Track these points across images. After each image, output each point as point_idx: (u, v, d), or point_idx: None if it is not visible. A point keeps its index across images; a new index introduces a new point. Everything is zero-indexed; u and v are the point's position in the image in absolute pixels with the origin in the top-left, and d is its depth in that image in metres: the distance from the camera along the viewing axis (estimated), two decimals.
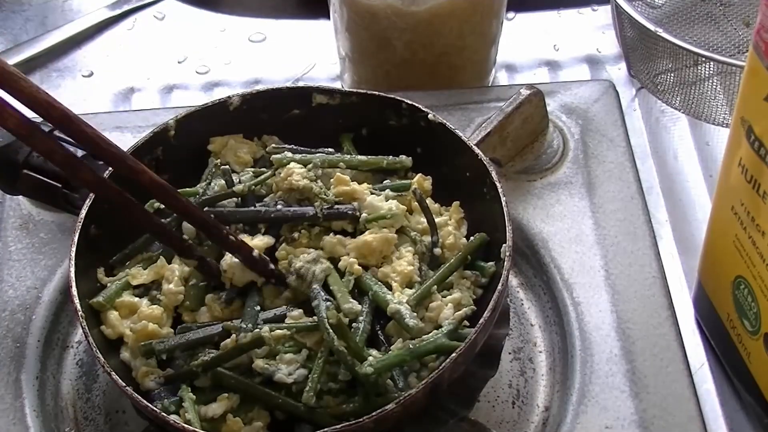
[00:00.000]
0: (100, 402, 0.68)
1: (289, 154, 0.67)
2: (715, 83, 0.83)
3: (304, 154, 0.68)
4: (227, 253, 0.62)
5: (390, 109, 0.69)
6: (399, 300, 0.61)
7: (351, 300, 0.61)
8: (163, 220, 0.62)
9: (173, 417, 0.57)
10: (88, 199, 0.64)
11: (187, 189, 0.68)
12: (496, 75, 0.91)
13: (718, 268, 0.67)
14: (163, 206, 0.64)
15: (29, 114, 0.51)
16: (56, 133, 0.68)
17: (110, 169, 0.61)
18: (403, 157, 0.69)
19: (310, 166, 0.66)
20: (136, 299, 0.64)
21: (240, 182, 0.67)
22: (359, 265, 0.63)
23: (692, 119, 0.86)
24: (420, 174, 0.68)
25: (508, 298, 0.68)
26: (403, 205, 0.66)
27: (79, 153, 0.64)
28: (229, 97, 0.70)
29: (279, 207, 0.65)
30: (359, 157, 0.69)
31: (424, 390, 0.56)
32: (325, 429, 0.54)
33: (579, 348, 0.66)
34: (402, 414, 0.56)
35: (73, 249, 0.62)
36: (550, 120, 0.79)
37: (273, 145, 0.70)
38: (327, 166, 0.68)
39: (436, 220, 0.66)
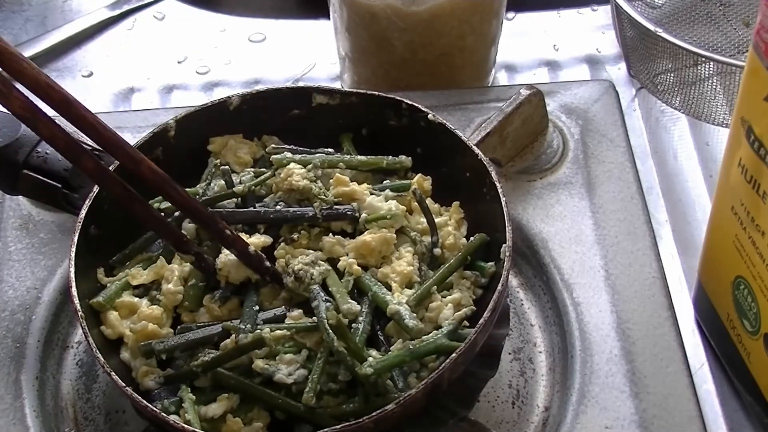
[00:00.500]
0: (100, 402, 0.68)
1: (289, 155, 0.67)
2: (714, 83, 0.83)
3: (303, 155, 0.68)
4: (223, 250, 0.62)
5: (390, 109, 0.69)
6: (398, 300, 0.61)
7: (350, 300, 0.61)
8: (163, 215, 0.62)
9: (173, 417, 0.57)
10: (88, 199, 0.64)
11: (187, 189, 0.68)
12: (496, 75, 0.91)
13: (718, 268, 0.67)
14: (164, 207, 0.64)
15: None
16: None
17: (115, 163, 0.62)
18: (402, 157, 0.69)
19: (309, 166, 0.66)
20: (136, 299, 0.64)
21: (240, 182, 0.67)
22: (359, 265, 0.63)
23: (692, 119, 0.86)
24: (420, 174, 0.68)
25: (508, 298, 0.68)
26: (403, 205, 0.66)
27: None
28: (229, 97, 0.70)
29: (278, 207, 0.65)
30: (359, 157, 0.69)
31: (424, 390, 0.56)
32: (325, 429, 0.54)
33: (579, 348, 0.66)
34: (402, 414, 0.56)
35: (73, 249, 0.62)
36: (550, 120, 0.79)
37: (273, 145, 0.70)
38: (327, 166, 0.68)
39: (436, 220, 0.66)
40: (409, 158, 0.69)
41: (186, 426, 0.55)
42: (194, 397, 0.59)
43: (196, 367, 0.59)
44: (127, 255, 0.66)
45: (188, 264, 0.64)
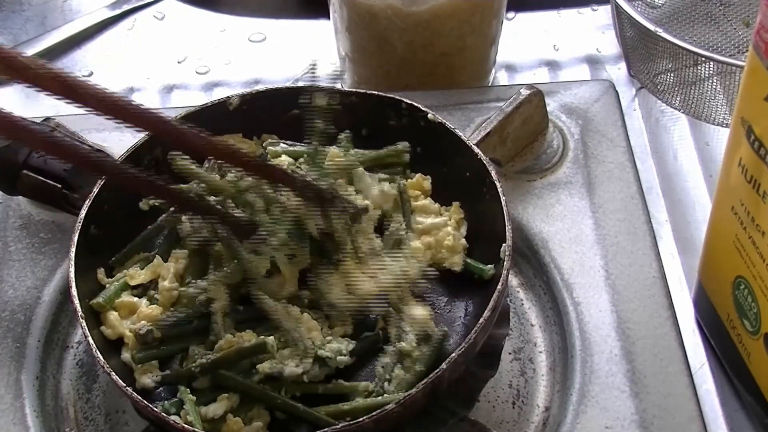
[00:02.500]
0: (100, 402, 0.68)
1: (284, 146, 0.68)
2: (714, 83, 0.83)
3: (299, 146, 0.68)
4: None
5: (390, 108, 0.69)
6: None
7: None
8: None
9: (173, 417, 0.57)
10: (88, 199, 0.64)
11: (182, 186, 0.67)
12: (496, 75, 0.91)
13: (718, 268, 0.67)
14: (157, 203, 0.64)
15: None
16: (57, 132, 0.68)
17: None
18: (400, 145, 0.69)
19: (300, 160, 0.67)
20: (136, 299, 0.64)
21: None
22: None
23: (692, 119, 0.86)
24: (420, 174, 0.68)
25: (508, 298, 0.68)
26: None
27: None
28: (228, 97, 0.70)
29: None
30: (355, 149, 0.69)
31: (424, 390, 0.56)
32: (325, 429, 0.54)
33: (579, 348, 0.66)
34: (402, 414, 0.56)
35: (73, 249, 0.62)
36: (550, 120, 0.79)
37: (269, 140, 0.70)
38: None
39: (436, 220, 0.66)
40: (406, 143, 0.69)
41: (186, 426, 0.55)
42: (194, 398, 0.59)
43: (195, 368, 0.59)
44: (126, 254, 0.66)
45: (183, 261, 0.64)
